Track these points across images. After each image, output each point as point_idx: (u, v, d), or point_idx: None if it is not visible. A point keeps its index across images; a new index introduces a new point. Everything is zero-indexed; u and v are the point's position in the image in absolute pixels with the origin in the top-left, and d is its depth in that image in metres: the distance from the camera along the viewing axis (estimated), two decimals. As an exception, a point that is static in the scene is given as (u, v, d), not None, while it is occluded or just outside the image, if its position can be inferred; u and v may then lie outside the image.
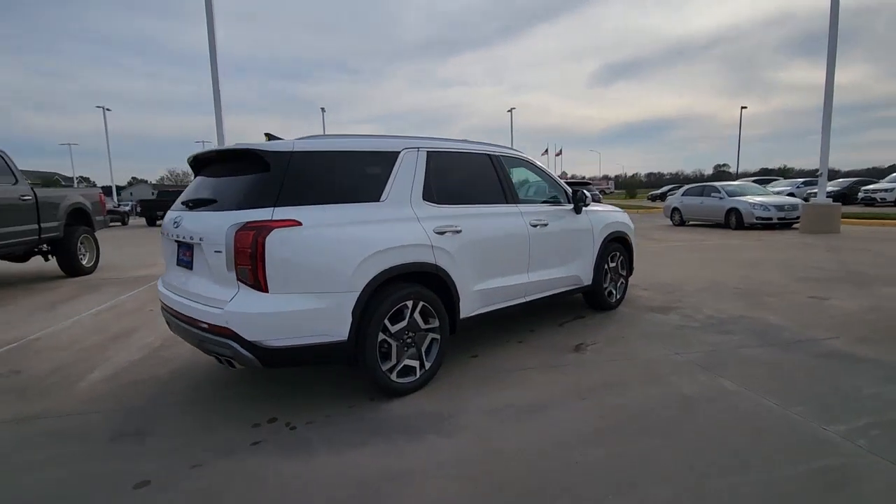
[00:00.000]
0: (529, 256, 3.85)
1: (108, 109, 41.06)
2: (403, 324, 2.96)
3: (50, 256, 7.77)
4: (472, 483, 2.10)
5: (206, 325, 2.59)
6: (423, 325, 3.08)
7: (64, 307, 5.70)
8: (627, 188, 56.10)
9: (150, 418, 2.81)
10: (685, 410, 2.71)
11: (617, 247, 4.94)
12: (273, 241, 2.47)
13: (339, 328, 2.65)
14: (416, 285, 3.02)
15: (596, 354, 3.66)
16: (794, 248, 9.32)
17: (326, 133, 3.47)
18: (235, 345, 2.49)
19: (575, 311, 4.91)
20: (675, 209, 16.25)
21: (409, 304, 2.98)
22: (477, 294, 3.42)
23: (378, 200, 2.95)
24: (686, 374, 3.22)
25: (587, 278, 4.54)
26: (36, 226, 7.03)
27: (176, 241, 3.02)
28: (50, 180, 49.21)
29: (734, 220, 13.61)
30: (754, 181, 23.04)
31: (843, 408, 2.68)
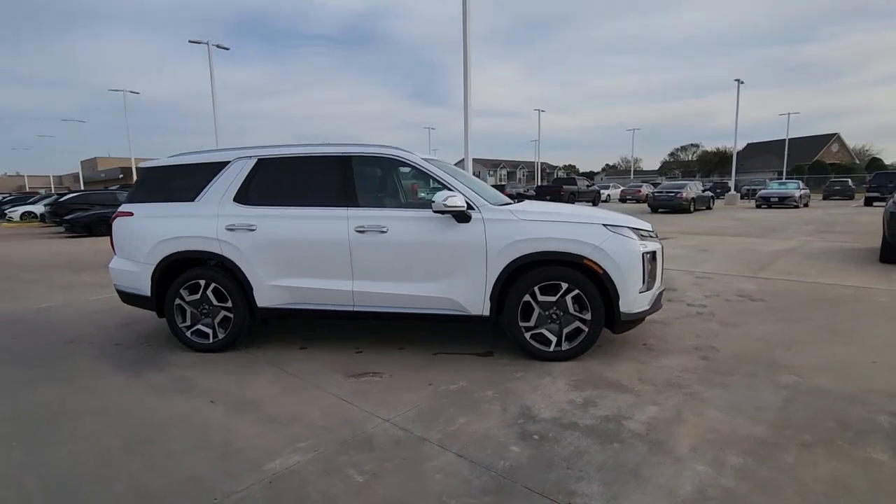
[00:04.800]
0: (352, 264, 3.62)
1: (542, 111, 47.14)
2: (196, 297, 3.83)
3: None
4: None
5: None
6: (215, 302, 3.82)
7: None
8: None
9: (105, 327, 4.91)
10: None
11: (568, 275, 3.40)
12: (116, 224, 4.01)
13: (144, 287, 3.90)
14: (207, 269, 3.81)
15: (342, 389, 3.16)
16: None
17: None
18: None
19: (500, 346, 3.79)
20: None
21: (202, 282, 3.81)
22: (277, 288, 3.72)
23: (192, 201, 3.90)
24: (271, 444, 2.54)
25: (475, 306, 3.53)
26: None
27: None
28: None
29: None
30: None
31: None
